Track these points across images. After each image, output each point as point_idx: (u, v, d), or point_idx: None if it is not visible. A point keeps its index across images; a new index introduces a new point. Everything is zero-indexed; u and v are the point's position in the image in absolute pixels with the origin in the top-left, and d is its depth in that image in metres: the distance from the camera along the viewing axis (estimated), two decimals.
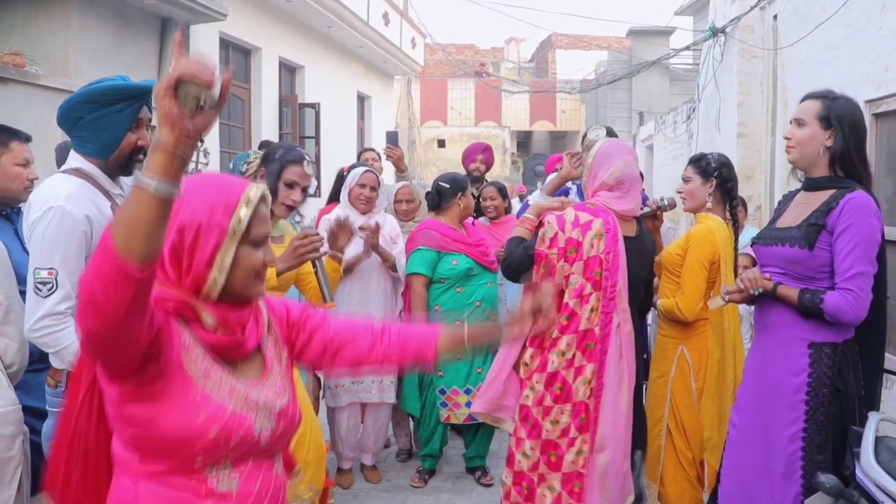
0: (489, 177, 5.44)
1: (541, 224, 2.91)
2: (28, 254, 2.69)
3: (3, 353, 2.37)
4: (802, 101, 2.62)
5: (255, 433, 1.40)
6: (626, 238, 2.91)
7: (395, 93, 18.64)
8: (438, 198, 4.19)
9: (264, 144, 5.87)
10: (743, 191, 6.63)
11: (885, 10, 4.71)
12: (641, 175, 3.41)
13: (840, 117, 2.48)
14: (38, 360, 2.64)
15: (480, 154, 5.33)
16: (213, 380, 1.38)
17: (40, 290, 2.14)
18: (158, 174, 1.11)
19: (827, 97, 2.55)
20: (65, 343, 2.16)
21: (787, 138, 2.61)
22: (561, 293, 2.81)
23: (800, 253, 2.49)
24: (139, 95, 2.29)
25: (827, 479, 2.35)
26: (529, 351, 2.87)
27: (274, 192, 2.90)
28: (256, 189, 1.41)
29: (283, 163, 2.91)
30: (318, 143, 11.04)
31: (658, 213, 3.54)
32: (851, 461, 2.52)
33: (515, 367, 2.94)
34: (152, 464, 1.34)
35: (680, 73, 17.88)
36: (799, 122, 2.56)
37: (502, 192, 4.93)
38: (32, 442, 2.49)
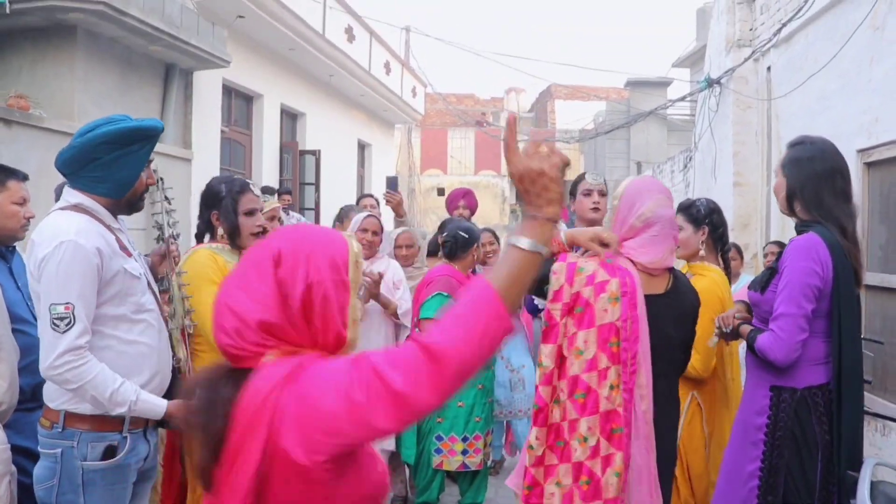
0: (479, 221, 5.48)
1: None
2: (21, 292, 2.73)
3: None
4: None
5: None
6: (654, 296, 2.48)
7: (396, 141, 18.86)
8: (455, 246, 4.20)
9: (265, 190, 5.92)
10: (739, 239, 6.70)
11: (874, 62, 4.81)
12: None
13: (789, 161, 2.63)
14: (29, 398, 2.62)
15: (462, 199, 5.37)
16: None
17: (58, 326, 2.09)
18: (544, 242, 1.28)
19: (791, 144, 2.70)
20: (87, 378, 2.11)
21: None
22: (561, 355, 2.39)
23: (754, 296, 2.70)
24: (154, 136, 2.32)
25: None
26: (534, 431, 2.40)
27: (237, 228, 2.90)
28: (351, 237, 1.39)
29: (234, 196, 2.91)
30: (318, 190, 11.14)
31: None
32: None
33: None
34: None
35: (677, 123, 18.11)
36: (776, 173, 2.75)
37: (496, 236, 5.00)
38: (20, 483, 2.45)
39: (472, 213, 5.43)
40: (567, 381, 2.37)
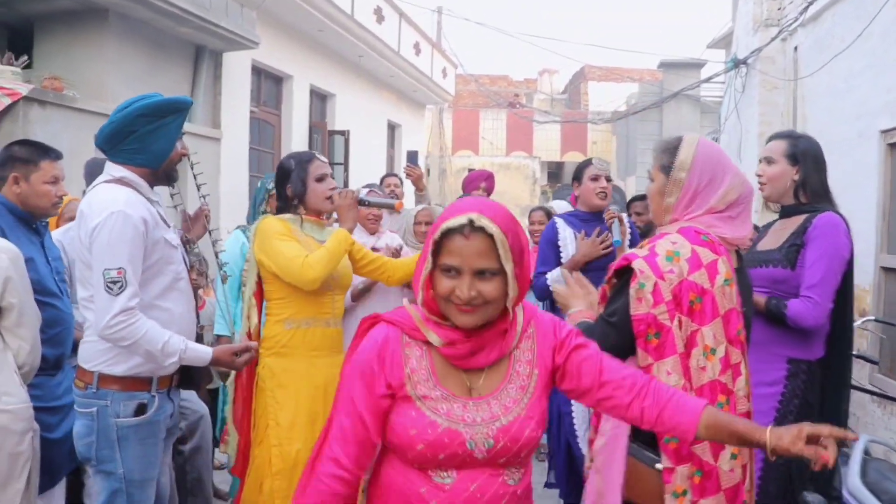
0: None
1: (625, 275, 2.05)
2: (51, 266, 2.88)
3: (17, 353, 2.50)
4: (769, 141, 2.92)
5: (467, 447, 1.55)
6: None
7: (427, 122, 18.89)
8: None
9: None
10: (763, 220, 6.64)
11: None
12: None
13: (804, 153, 2.80)
14: (52, 367, 2.82)
15: (483, 182, 5.39)
16: (430, 401, 1.57)
17: (111, 289, 2.27)
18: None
19: (791, 136, 2.89)
20: (140, 334, 2.29)
21: (758, 175, 2.87)
22: (686, 364, 1.96)
23: (783, 273, 2.72)
24: (185, 109, 2.51)
25: (814, 498, 2.38)
26: (677, 472, 1.94)
27: (305, 192, 3.02)
28: (453, 221, 1.52)
29: (303, 165, 3.02)
30: (346, 170, 11.25)
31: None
32: (840, 482, 2.54)
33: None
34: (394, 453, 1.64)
35: (710, 105, 17.87)
36: (769, 161, 2.84)
37: (549, 214, 4.94)
38: (43, 438, 2.63)
39: (489, 195, 5.46)
40: (701, 390, 1.95)
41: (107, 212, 2.30)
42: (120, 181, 2.42)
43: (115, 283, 2.27)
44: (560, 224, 3.70)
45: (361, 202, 3.15)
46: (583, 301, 2.30)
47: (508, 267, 1.51)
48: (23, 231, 2.86)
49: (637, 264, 1.98)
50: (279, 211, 3.13)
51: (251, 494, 2.86)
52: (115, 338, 2.29)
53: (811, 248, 2.66)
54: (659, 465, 1.94)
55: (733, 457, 1.94)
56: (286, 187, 3.06)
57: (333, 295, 3.05)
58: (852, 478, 2.47)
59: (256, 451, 2.90)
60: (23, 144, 2.98)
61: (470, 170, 22.92)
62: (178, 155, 2.58)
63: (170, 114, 2.44)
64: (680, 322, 1.95)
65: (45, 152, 2.94)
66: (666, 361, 1.94)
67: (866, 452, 2.67)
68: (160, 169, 2.52)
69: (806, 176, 2.78)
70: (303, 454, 2.78)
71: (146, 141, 2.42)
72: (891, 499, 2.34)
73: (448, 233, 1.51)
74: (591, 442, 2.16)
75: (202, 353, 2.45)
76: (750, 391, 2.04)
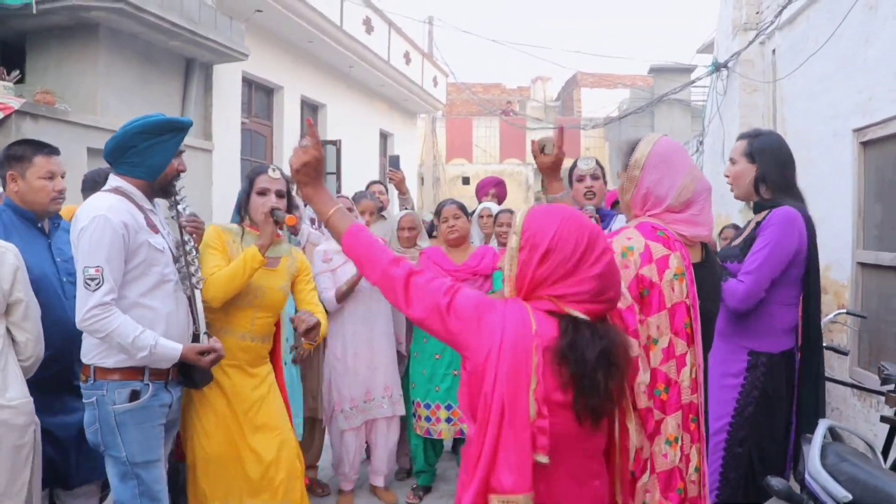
0: None
1: None
2: (56, 267, 3.02)
3: (24, 346, 2.67)
4: (737, 141, 3.03)
5: None
6: (694, 266, 2.20)
7: (419, 130, 19.03)
8: (431, 227, 4.42)
9: (288, 180, 6.15)
10: (745, 219, 6.77)
11: (868, 42, 4.86)
12: None
13: (761, 150, 2.89)
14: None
15: (493, 188, 5.52)
16: None
17: (89, 285, 2.47)
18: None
19: (750, 135, 2.99)
20: (112, 327, 2.48)
21: (725, 175, 3.02)
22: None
23: (735, 267, 2.83)
24: (183, 129, 2.73)
25: (777, 482, 2.46)
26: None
27: (246, 205, 3.14)
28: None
29: (250, 178, 3.16)
30: (339, 179, 11.34)
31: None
32: (803, 466, 2.63)
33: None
34: None
35: (700, 108, 17.99)
36: (732, 161, 2.98)
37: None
38: (44, 432, 2.77)
39: (501, 202, 5.58)
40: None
41: (91, 216, 2.52)
42: (115, 190, 2.65)
43: (92, 279, 2.47)
44: None
45: (273, 216, 3.00)
46: None
47: None
48: (25, 229, 2.98)
49: None
50: (241, 219, 3.24)
51: (191, 486, 3.02)
52: (90, 329, 2.51)
53: (759, 239, 2.78)
54: None
55: (668, 443, 2.01)
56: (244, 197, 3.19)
57: (255, 313, 3.07)
58: (812, 461, 2.55)
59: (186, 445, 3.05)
60: (18, 144, 3.07)
61: (464, 177, 22.88)
62: (174, 171, 2.80)
63: (167, 132, 2.67)
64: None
65: (40, 147, 3.02)
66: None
67: (832, 437, 2.76)
68: (156, 182, 2.75)
69: (764, 172, 2.88)
70: (209, 449, 2.96)
71: (144, 156, 2.65)
72: (847, 478, 2.41)
73: None
74: None
75: (171, 350, 2.62)
76: (700, 382, 2.10)
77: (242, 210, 3.17)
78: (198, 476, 2.97)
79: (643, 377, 2.00)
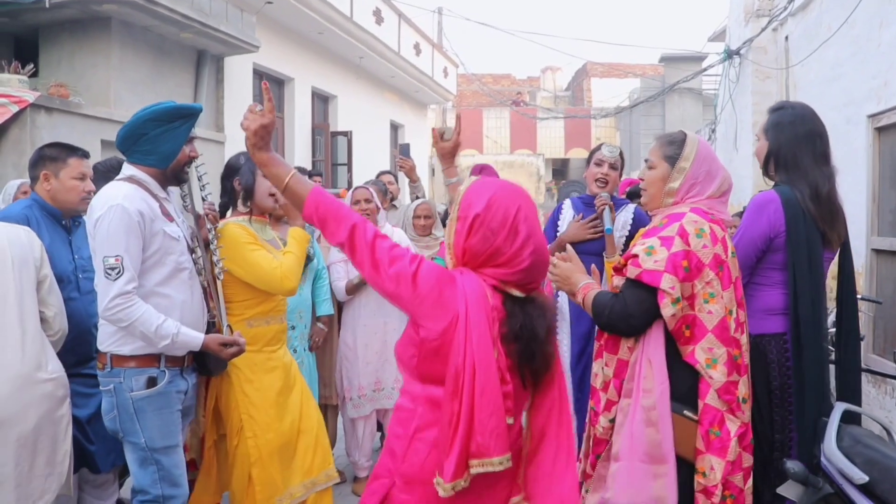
0: None
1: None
2: (75, 264, 3.09)
3: (52, 320, 2.77)
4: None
5: None
6: None
7: (430, 121, 19.01)
8: (444, 216, 4.43)
9: (298, 170, 6.17)
10: None
11: (882, 26, 4.83)
12: None
13: (775, 125, 2.79)
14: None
15: (479, 174, 5.49)
16: None
17: (110, 275, 2.47)
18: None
19: (772, 110, 2.89)
20: (135, 317, 2.49)
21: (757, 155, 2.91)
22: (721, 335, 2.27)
23: None
24: (193, 115, 2.72)
25: (793, 465, 2.46)
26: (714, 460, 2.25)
27: (252, 187, 3.12)
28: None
29: (251, 164, 3.13)
30: (350, 170, 11.39)
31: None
32: (818, 450, 2.63)
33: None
34: None
35: (712, 98, 17.90)
36: (757, 137, 2.87)
37: None
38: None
39: None
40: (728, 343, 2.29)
41: (107, 205, 2.52)
42: (130, 179, 2.65)
43: (112, 269, 2.48)
44: (566, 206, 3.80)
45: None
46: (584, 275, 2.54)
47: None
48: (51, 226, 3.07)
49: (665, 283, 2.21)
50: (223, 207, 3.25)
51: (240, 484, 3.00)
52: (114, 319, 2.51)
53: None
54: (693, 416, 2.27)
55: (744, 400, 2.31)
56: (234, 180, 3.18)
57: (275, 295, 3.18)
58: (829, 444, 2.55)
59: (236, 444, 3.02)
60: (52, 146, 3.19)
61: (479, 165, 22.97)
62: (186, 157, 2.78)
63: (178, 119, 2.66)
64: (699, 296, 2.26)
65: (73, 150, 3.15)
66: (702, 343, 2.27)
67: (844, 420, 2.75)
68: (168, 169, 2.74)
69: (775, 148, 2.76)
70: (274, 442, 3.00)
71: (156, 143, 2.65)
72: (864, 461, 2.42)
73: None
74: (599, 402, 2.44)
75: (194, 339, 2.64)
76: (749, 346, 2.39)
77: (243, 198, 3.15)
78: (266, 469, 2.97)
79: (719, 350, 2.26)
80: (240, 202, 3.19)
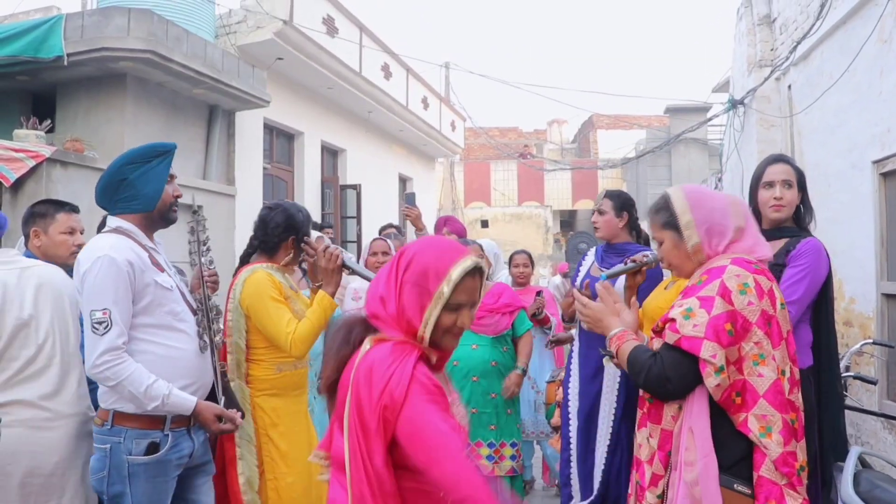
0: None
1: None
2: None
3: None
4: (774, 165, 3.02)
5: None
6: None
7: (438, 174, 19.21)
8: None
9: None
10: None
11: (883, 74, 4.90)
12: None
13: (801, 179, 3.00)
14: None
15: (444, 227, 5.55)
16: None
17: (97, 329, 2.36)
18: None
19: (790, 160, 3.08)
20: (124, 375, 2.37)
21: (778, 199, 2.93)
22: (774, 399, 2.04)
23: None
24: (169, 152, 2.64)
25: None
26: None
27: (299, 255, 3.19)
28: (466, 262, 1.75)
29: (308, 222, 3.21)
30: (359, 223, 11.47)
31: (642, 269, 3.05)
32: (836, 494, 2.61)
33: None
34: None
35: (717, 147, 18.06)
36: (789, 184, 2.94)
37: (531, 258, 5.25)
38: None
39: (460, 236, 5.59)
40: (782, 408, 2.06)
41: (94, 257, 2.42)
42: (116, 230, 2.56)
43: (100, 323, 2.37)
44: (590, 252, 3.85)
45: (345, 267, 3.01)
46: (618, 318, 2.37)
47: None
48: None
49: (706, 352, 2.00)
50: (252, 252, 3.20)
51: None
52: (101, 377, 2.39)
53: (795, 268, 2.80)
54: (746, 490, 2.02)
55: (801, 469, 2.05)
56: (291, 237, 3.15)
57: None
58: (845, 487, 2.54)
59: (266, 485, 3.00)
60: (41, 203, 3.26)
61: (482, 221, 22.86)
62: (171, 197, 2.68)
63: (154, 157, 2.58)
64: (747, 359, 2.04)
65: (61, 206, 3.20)
66: (755, 410, 2.03)
67: (862, 464, 2.73)
68: (155, 211, 2.64)
69: (805, 199, 3.00)
70: (296, 486, 2.97)
71: (137, 186, 2.56)
72: None
73: (464, 276, 1.74)
74: (643, 475, 2.27)
75: (186, 402, 2.51)
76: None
77: (274, 248, 3.15)
78: None
79: (773, 417, 2.02)
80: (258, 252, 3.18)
